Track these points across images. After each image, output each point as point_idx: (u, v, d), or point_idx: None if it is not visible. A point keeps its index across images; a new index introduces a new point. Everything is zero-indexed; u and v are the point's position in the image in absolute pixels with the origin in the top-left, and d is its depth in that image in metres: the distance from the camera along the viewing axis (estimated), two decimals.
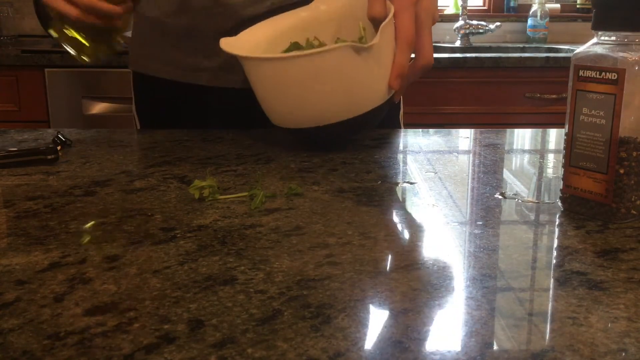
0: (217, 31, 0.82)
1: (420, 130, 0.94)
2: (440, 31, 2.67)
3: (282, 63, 0.71)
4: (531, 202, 0.60)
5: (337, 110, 0.72)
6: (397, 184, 0.65)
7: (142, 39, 0.96)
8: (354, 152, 0.77)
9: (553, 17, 2.65)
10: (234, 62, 0.79)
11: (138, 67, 0.98)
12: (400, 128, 1.00)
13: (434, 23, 0.74)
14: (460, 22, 2.54)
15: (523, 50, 2.54)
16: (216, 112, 0.94)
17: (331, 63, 0.69)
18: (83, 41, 0.75)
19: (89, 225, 0.53)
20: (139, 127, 1.01)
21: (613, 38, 0.52)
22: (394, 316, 0.38)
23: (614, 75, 0.51)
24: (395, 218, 0.55)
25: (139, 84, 0.99)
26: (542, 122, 2.11)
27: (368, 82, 0.73)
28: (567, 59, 2.14)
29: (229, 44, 0.76)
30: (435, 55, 2.12)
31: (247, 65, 0.74)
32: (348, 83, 0.71)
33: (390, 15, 0.71)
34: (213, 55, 0.89)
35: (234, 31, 0.79)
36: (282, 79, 0.71)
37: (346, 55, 0.69)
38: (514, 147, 0.86)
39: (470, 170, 0.72)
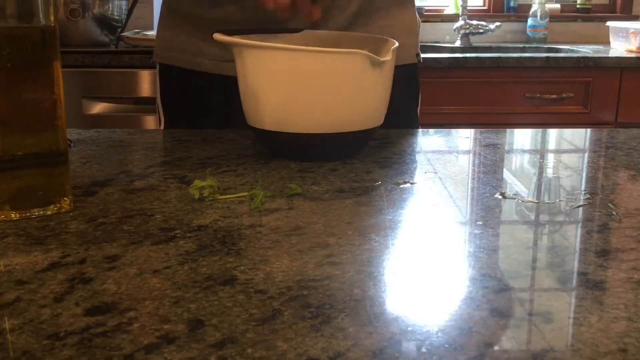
0: (248, 23, 0.88)
1: (420, 130, 0.94)
2: (440, 31, 2.67)
3: (296, 55, 0.69)
4: (531, 202, 0.60)
5: (326, 119, 0.70)
6: (397, 184, 0.65)
7: (170, 32, 0.98)
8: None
9: (553, 17, 2.65)
10: None
11: (165, 59, 0.99)
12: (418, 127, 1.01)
13: None
14: (460, 22, 2.54)
15: (523, 50, 2.54)
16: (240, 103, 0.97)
17: (343, 66, 0.69)
18: None
19: (89, 225, 0.53)
20: (162, 120, 1.02)
21: None
22: (394, 316, 0.38)
23: None
24: (395, 218, 0.55)
25: (165, 76, 1.01)
26: (542, 122, 2.11)
27: (366, 99, 0.72)
28: (567, 59, 2.14)
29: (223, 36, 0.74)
30: (435, 55, 2.15)
31: (255, 52, 0.72)
32: (349, 93, 0.70)
33: (395, 47, 0.73)
34: None
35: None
36: (291, 72, 0.69)
37: (359, 63, 0.69)
38: (514, 147, 0.86)
39: (470, 170, 0.72)
